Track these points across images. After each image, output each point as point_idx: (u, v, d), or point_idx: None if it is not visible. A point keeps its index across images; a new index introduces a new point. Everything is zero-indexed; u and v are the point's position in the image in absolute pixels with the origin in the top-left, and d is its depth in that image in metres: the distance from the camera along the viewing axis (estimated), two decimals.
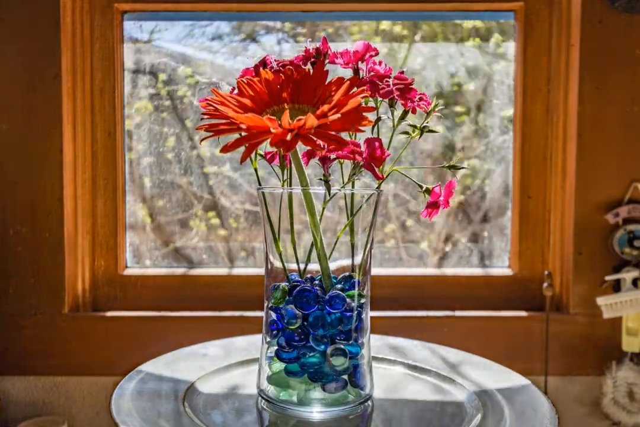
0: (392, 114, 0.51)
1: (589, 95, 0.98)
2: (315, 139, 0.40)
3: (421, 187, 0.51)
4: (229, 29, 1.12)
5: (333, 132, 0.41)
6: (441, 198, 0.50)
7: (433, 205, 0.50)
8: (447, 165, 0.52)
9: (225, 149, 0.40)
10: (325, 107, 0.40)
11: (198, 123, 1.10)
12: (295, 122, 0.39)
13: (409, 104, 0.50)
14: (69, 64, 1.00)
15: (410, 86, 0.49)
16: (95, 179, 1.04)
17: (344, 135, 0.51)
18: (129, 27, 1.07)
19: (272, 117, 0.40)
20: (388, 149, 0.50)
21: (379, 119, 0.51)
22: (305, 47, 0.50)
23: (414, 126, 0.51)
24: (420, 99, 0.50)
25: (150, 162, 1.11)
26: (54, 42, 0.98)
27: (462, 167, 0.51)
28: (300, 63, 0.50)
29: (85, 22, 1.02)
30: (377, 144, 0.49)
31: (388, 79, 0.49)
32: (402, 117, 0.51)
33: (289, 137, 0.39)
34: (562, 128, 1.02)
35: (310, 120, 0.39)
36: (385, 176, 0.50)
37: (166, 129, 1.11)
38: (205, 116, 0.43)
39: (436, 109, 0.51)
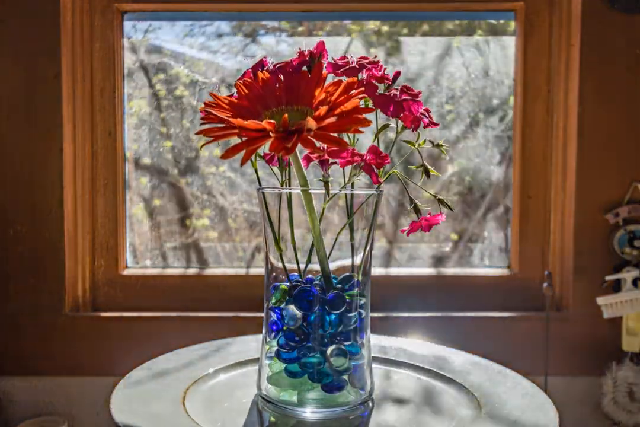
0: (397, 123, 0.51)
1: (589, 95, 0.99)
2: (314, 141, 0.40)
3: (411, 202, 0.52)
4: (229, 29, 1.12)
5: (333, 134, 0.41)
6: (425, 221, 0.51)
7: (415, 225, 0.51)
8: (438, 197, 0.52)
9: (226, 155, 0.40)
10: (324, 109, 0.40)
11: (197, 122, 1.10)
12: (295, 126, 0.39)
13: (411, 123, 0.50)
14: (69, 64, 1.00)
15: (417, 99, 0.49)
16: (95, 179, 1.04)
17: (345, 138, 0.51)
18: (128, 27, 1.07)
19: (271, 121, 0.40)
20: (390, 153, 0.50)
21: (386, 126, 0.51)
22: (300, 50, 0.50)
23: (418, 166, 0.52)
24: (426, 111, 0.50)
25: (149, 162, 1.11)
26: (54, 43, 0.98)
27: (448, 206, 0.52)
28: (297, 66, 0.49)
29: (85, 22, 1.02)
30: (377, 149, 0.49)
31: (395, 90, 0.49)
32: (405, 127, 0.51)
33: (289, 144, 0.39)
34: (562, 128, 1.02)
35: (310, 123, 0.39)
36: (383, 180, 0.50)
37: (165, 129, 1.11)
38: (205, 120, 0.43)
39: (442, 147, 0.52)
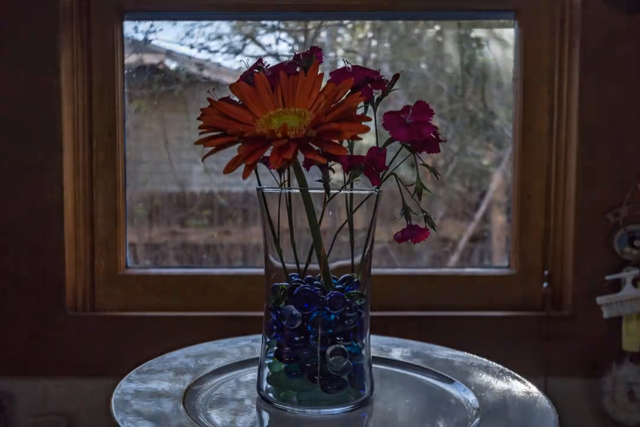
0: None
1: (589, 95, 0.98)
2: (314, 147, 0.40)
3: (404, 207, 0.51)
4: (229, 29, 1.12)
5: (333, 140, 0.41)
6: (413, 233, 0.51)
7: (405, 234, 0.51)
8: (425, 214, 0.52)
9: (227, 170, 0.40)
10: (322, 113, 0.40)
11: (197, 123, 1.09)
12: (294, 133, 0.39)
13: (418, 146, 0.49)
14: (69, 64, 1.00)
15: (430, 119, 0.48)
16: (95, 179, 1.04)
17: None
18: (128, 27, 1.07)
19: (271, 128, 0.40)
20: (391, 162, 0.50)
21: (391, 140, 0.50)
22: (295, 53, 0.49)
23: (412, 184, 0.51)
24: (435, 128, 0.49)
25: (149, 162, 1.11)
26: (54, 42, 0.98)
27: (432, 226, 0.51)
28: (291, 67, 0.49)
29: (85, 22, 1.02)
30: (379, 152, 0.49)
31: (407, 112, 0.47)
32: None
33: (289, 155, 0.39)
34: (562, 128, 1.02)
35: (309, 131, 0.39)
36: (382, 181, 0.50)
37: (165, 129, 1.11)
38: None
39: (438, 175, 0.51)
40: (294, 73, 0.47)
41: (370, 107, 0.51)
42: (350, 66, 0.50)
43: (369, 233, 0.52)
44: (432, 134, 0.48)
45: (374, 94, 0.50)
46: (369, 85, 0.49)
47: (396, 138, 0.48)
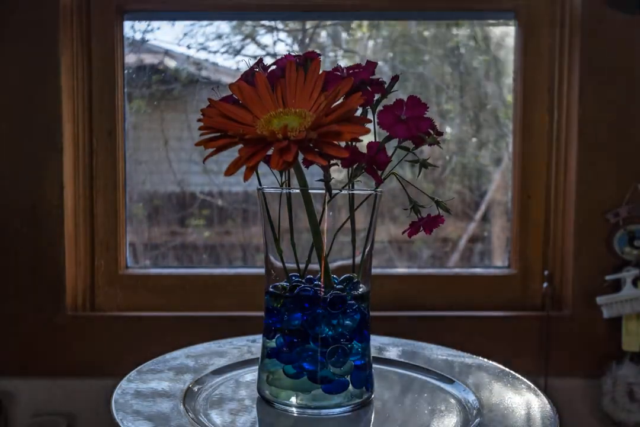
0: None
1: (589, 95, 0.98)
2: (315, 148, 0.40)
3: (411, 202, 0.51)
4: (229, 28, 1.12)
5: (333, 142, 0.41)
6: (425, 223, 0.50)
7: (415, 227, 0.50)
8: (435, 200, 0.51)
9: (228, 173, 0.40)
10: (322, 114, 0.40)
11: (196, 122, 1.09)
12: (295, 135, 0.39)
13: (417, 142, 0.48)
14: (69, 64, 1.00)
15: (425, 113, 0.48)
16: (95, 179, 1.04)
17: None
18: (128, 26, 1.07)
19: (272, 129, 0.40)
20: (390, 157, 0.49)
21: (389, 138, 0.50)
22: (291, 54, 0.49)
23: (415, 161, 0.51)
24: (432, 127, 0.48)
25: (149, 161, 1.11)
26: (54, 42, 0.98)
27: (446, 209, 0.51)
28: (290, 68, 0.49)
29: (85, 22, 1.02)
30: (379, 148, 0.48)
31: (400, 108, 0.47)
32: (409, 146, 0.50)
33: (290, 158, 0.38)
34: (562, 128, 1.02)
35: (310, 133, 0.39)
36: (383, 179, 0.50)
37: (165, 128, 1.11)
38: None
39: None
40: (294, 73, 0.47)
41: (369, 110, 0.51)
42: (344, 70, 0.49)
43: (368, 233, 0.52)
44: (429, 128, 0.48)
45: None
46: (368, 88, 0.49)
47: (395, 135, 0.48)
